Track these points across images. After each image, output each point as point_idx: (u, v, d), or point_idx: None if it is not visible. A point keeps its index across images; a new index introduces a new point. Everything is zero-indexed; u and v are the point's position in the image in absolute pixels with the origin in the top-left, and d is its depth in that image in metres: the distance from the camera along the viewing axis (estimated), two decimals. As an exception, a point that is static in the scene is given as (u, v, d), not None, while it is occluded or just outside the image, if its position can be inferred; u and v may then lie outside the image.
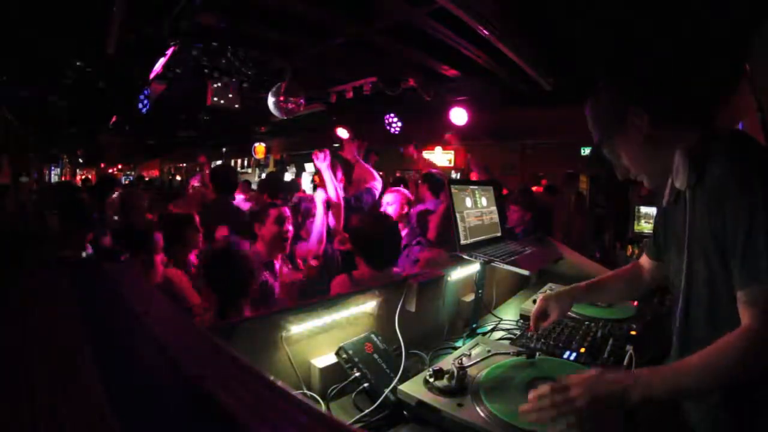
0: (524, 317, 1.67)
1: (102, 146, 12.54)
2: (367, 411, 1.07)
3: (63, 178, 13.95)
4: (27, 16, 2.90)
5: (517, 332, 1.56)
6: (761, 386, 0.83)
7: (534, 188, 5.82)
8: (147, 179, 13.77)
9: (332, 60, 4.12)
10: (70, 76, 4.30)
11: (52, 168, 12.43)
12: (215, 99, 4.49)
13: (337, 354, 1.18)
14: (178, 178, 14.81)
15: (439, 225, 2.65)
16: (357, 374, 1.14)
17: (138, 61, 3.72)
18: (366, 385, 1.13)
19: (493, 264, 1.55)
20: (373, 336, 1.26)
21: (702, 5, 2.29)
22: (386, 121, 5.65)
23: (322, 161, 2.85)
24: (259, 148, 9.70)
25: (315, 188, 4.32)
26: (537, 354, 1.20)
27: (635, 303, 1.68)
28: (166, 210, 3.22)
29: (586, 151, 5.51)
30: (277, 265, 2.31)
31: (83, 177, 16.50)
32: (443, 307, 1.62)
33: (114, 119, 7.15)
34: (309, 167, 9.54)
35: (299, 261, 2.33)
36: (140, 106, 4.73)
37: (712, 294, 0.92)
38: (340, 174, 3.27)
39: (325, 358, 1.19)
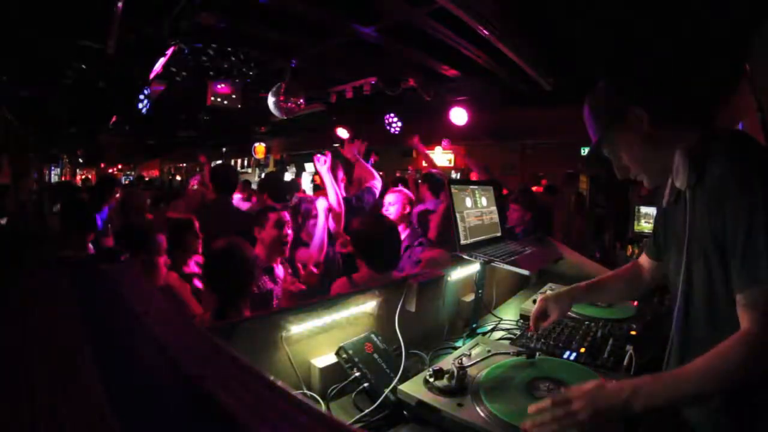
0: (524, 317, 1.67)
1: (102, 146, 12.52)
2: (367, 411, 1.07)
3: (63, 178, 13.95)
4: (27, 16, 2.90)
5: (517, 332, 1.56)
6: (761, 390, 0.83)
7: (534, 188, 5.83)
8: (147, 179, 13.77)
9: (332, 60, 4.12)
10: (70, 76, 4.30)
11: (52, 168, 12.41)
12: (215, 99, 4.49)
13: (337, 354, 1.18)
14: (178, 178, 14.80)
15: (439, 225, 2.64)
16: (357, 374, 1.14)
17: (138, 61, 3.71)
18: (366, 385, 1.13)
19: (493, 264, 1.55)
20: (373, 336, 1.26)
21: (702, 5, 2.29)
22: (386, 121, 5.65)
23: (322, 164, 2.84)
24: (259, 148, 9.70)
25: (315, 188, 4.33)
26: (537, 354, 1.20)
27: (635, 303, 1.68)
28: (165, 214, 3.22)
29: (586, 151, 5.51)
30: (277, 269, 2.31)
31: (83, 177, 16.50)
32: (443, 307, 1.62)
33: (114, 119, 7.15)
34: (309, 167, 9.53)
35: (299, 265, 2.33)
36: (140, 106, 4.73)
37: (711, 294, 0.92)
38: (341, 174, 3.27)
39: (325, 358, 1.20)
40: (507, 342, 1.45)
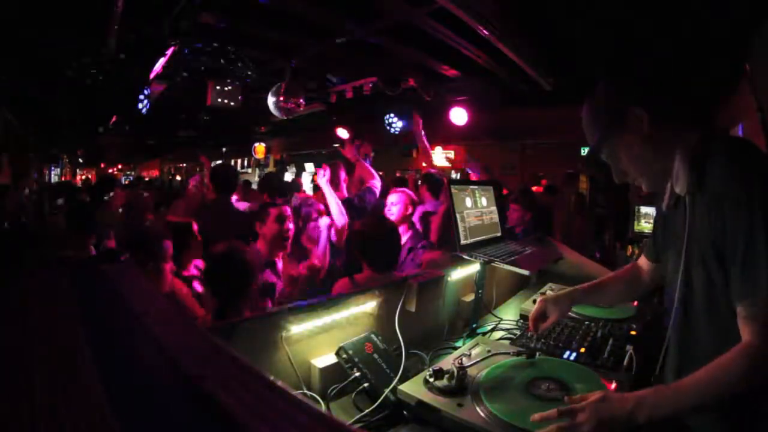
0: (524, 317, 1.67)
1: (102, 146, 12.53)
2: (367, 411, 1.07)
3: (63, 178, 13.95)
4: (27, 16, 2.90)
5: (517, 332, 1.56)
6: (761, 395, 0.84)
7: (534, 188, 5.82)
8: (147, 179, 13.77)
9: (332, 60, 4.12)
10: (70, 76, 4.30)
11: (52, 168, 12.41)
12: (215, 98, 4.49)
13: (337, 354, 1.18)
14: (178, 178, 14.80)
15: (440, 227, 2.64)
16: (357, 374, 1.14)
17: (138, 61, 3.71)
18: (366, 385, 1.13)
19: (493, 264, 1.55)
20: (373, 336, 1.26)
21: (702, 5, 2.29)
22: (386, 121, 5.65)
23: (321, 177, 2.85)
24: (259, 148, 9.70)
25: (315, 189, 4.32)
26: (537, 354, 1.20)
27: (635, 303, 1.68)
28: (165, 218, 3.21)
29: (586, 151, 5.50)
30: (279, 264, 2.32)
31: (83, 177, 16.50)
32: (443, 307, 1.62)
33: (114, 119, 7.15)
34: (309, 167, 9.54)
35: (300, 267, 2.33)
36: (140, 106, 4.73)
37: (711, 297, 0.92)
38: (343, 174, 3.27)
39: (325, 358, 1.20)
40: (507, 342, 1.45)
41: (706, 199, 0.90)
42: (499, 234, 1.88)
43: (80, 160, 16.20)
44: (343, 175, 3.25)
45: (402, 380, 1.11)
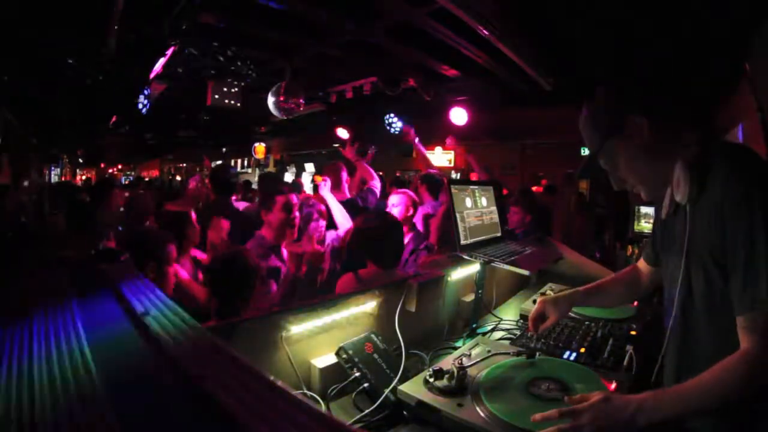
0: (524, 317, 1.67)
1: (102, 146, 12.53)
2: (367, 411, 1.07)
3: (63, 178, 13.95)
4: (27, 16, 2.90)
5: (517, 332, 1.56)
6: (760, 397, 0.84)
7: (534, 188, 5.82)
8: (147, 179, 13.77)
9: (332, 60, 4.12)
10: (70, 75, 4.30)
11: (52, 168, 12.40)
12: (215, 99, 4.49)
13: (337, 354, 1.18)
14: (178, 178, 14.81)
15: (439, 227, 2.64)
16: (357, 374, 1.14)
17: (138, 61, 3.71)
18: (366, 385, 1.13)
19: (493, 264, 1.55)
20: (373, 336, 1.26)
21: (702, 5, 2.29)
22: (386, 121, 5.65)
23: (323, 187, 2.86)
24: (259, 148, 9.71)
25: (315, 189, 4.32)
26: (537, 354, 1.20)
27: (635, 303, 1.68)
28: (163, 208, 3.22)
29: (586, 151, 5.50)
30: (284, 250, 2.34)
31: (83, 177, 16.50)
32: (443, 307, 1.62)
33: (114, 119, 7.15)
34: (309, 167, 9.54)
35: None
36: (140, 106, 4.73)
37: (711, 303, 0.92)
38: (345, 175, 3.28)
39: (325, 358, 1.19)
40: (507, 342, 1.45)
41: (706, 207, 0.89)
42: (499, 234, 1.88)
43: (80, 160, 16.20)
44: (345, 176, 3.25)
45: (402, 380, 1.11)
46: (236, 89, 4.58)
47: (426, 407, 0.98)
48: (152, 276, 1.77)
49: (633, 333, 1.43)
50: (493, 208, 1.90)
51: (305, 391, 1.13)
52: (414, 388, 1.03)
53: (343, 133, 5.78)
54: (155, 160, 18.99)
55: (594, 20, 2.73)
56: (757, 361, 0.80)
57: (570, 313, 1.45)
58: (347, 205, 2.93)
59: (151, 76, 4.03)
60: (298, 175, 9.51)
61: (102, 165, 17.36)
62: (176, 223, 2.32)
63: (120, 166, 20.29)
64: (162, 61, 3.57)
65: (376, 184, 3.28)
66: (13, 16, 2.85)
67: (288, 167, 10.53)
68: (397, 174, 8.09)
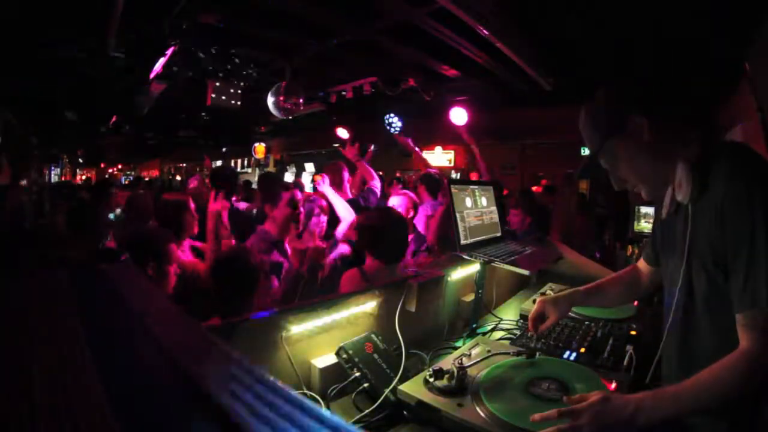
0: (524, 317, 1.66)
1: (102, 146, 12.54)
2: (367, 411, 1.07)
3: (63, 178, 13.96)
4: (27, 16, 2.90)
5: (517, 332, 1.56)
6: (759, 395, 0.84)
7: (534, 188, 5.82)
8: (147, 179, 13.78)
9: (332, 60, 4.12)
10: (71, 75, 4.30)
11: (52, 168, 12.42)
12: (215, 98, 4.49)
13: (337, 354, 1.18)
14: (178, 178, 14.82)
15: (438, 227, 2.64)
16: (357, 374, 1.14)
17: (138, 61, 3.72)
18: (366, 385, 1.13)
19: (493, 264, 1.55)
20: (373, 336, 1.26)
21: (702, 5, 2.29)
22: (386, 121, 5.65)
23: (322, 185, 2.86)
24: (259, 148, 9.71)
25: (315, 189, 4.32)
26: (537, 354, 1.20)
27: (635, 303, 1.68)
28: (161, 199, 3.22)
29: (586, 151, 5.50)
30: (287, 245, 2.35)
31: (83, 177, 16.49)
32: (443, 307, 1.62)
33: (114, 119, 7.16)
34: (309, 167, 9.54)
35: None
36: (140, 106, 4.73)
37: (712, 302, 0.92)
38: (347, 174, 3.28)
39: (325, 358, 1.19)
40: (507, 342, 1.45)
41: (707, 206, 0.90)
42: (499, 234, 1.88)
43: (80, 160, 16.21)
44: (346, 175, 3.26)
45: (402, 380, 1.11)
46: (236, 89, 4.58)
47: (426, 407, 0.98)
48: (153, 275, 1.77)
49: (633, 333, 1.43)
50: (493, 208, 1.90)
51: (305, 391, 1.13)
52: (414, 388, 1.03)
53: (343, 133, 5.77)
54: (155, 160, 18.99)
55: (594, 20, 2.73)
56: (756, 359, 0.80)
57: (570, 313, 1.45)
58: (349, 205, 2.93)
59: (151, 76, 4.03)
60: (298, 175, 9.51)
61: (102, 165, 17.38)
62: (173, 210, 2.33)
63: (120, 166, 20.30)
64: (162, 61, 3.57)
65: (377, 184, 3.29)
66: (13, 16, 2.85)
67: (288, 167, 10.54)
68: (397, 174, 8.09)
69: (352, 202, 3.02)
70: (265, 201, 2.41)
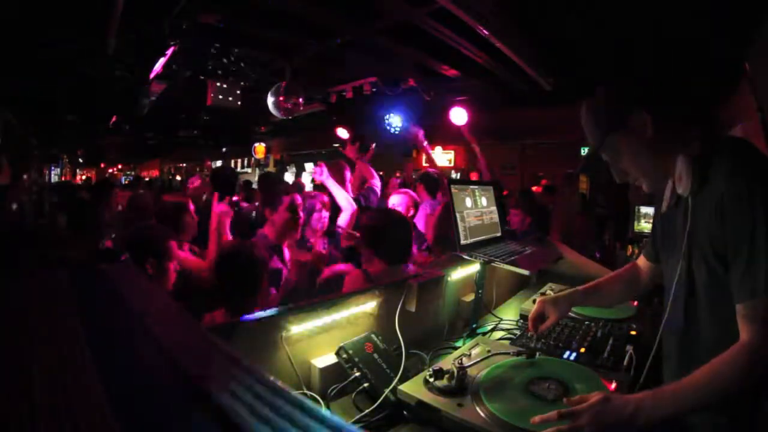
0: (524, 317, 1.67)
1: (102, 146, 12.54)
2: (367, 411, 1.07)
3: (63, 178, 13.96)
4: (27, 16, 2.90)
5: (517, 332, 1.56)
6: (760, 391, 0.84)
7: (534, 188, 5.82)
8: (147, 179, 13.78)
9: (332, 60, 4.12)
10: (71, 76, 4.30)
11: (52, 168, 12.42)
12: (215, 99, 4.49)
13: (337, 354, 1.18)
14: (178, 178, 14.81)
15: (435, 227, 2.64)
16: (357, 374, 1.14)
17: (138, 61, 3.72)
18: (366, 385, 1.13)
19: (493, 264, 1.55)
20: (373, 336, 1.26)
21: (702, 5, 2.29)
22: (386, 121, 5.65)
23: (320, 176, 2.86)
24: (259, 148, 9.70)
25: (315, 189, 4.33)
26: (537, 354, 1.20)
27: (635, 303, 1.68)
28: (161, 201, 3.23)
29: (586, 151, 5.49)
30: (287, 252, 2.34)
31: (83, 177, 16.49)
32: (443, 307, 1.62)
33: (114, 119, 7.15)
34: (309, 167, 9.54)
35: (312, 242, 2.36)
36: (140, 105, 4.73)
37: (713, 295, 0.92)
38: (348, 174, 3.28)
39: (325, 358, 1.19)
40: (507, 342, 1.45)
41: (708, 200, 0.90)
42: (499, 234, 1.88)
43: (80, 160, 16.21)
44: (348, 175, 3.26)
45: (402, 380, 1.11)
46: (236, 89, 4.58)
47: (426, 407, 0.98)
48: (152, 272, 1.77)
49: (633, 333, 1.43)
50: (493, 208, 1.90)
51: (305, 391, 1.13)
52: (414, 388, 1.04)
53: (343, 133, 5.77)
54: (155, 160, 18.98)
55: (594, 20, 2.73)
56: (757, 351, 0.80)
57: (570, 313, 1.45)
58: None
59: (151, 76, 4.03)
60: (298, 175, 9.51)
61: (102, 165, 17.37)
62: (173, 212, 2.33)
63: (120, 166, 20.29)
64: (162, 61, 3.57)
65: (376, 184, 3.29)
66: (13, 16, 2.85)
67: (288, 167, 10.53)
68: (397, 174, 8.08)
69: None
70: (264, 205, 2.40)
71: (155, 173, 19.22)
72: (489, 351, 1.21)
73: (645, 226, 4.03)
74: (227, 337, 1.00)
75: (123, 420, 0.29)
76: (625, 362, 1.19)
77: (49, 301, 0.53)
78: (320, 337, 1.22)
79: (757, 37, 2.21)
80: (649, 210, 4.01)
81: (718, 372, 0.81)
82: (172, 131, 9.30)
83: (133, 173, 19.26)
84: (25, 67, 4.08)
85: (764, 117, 2.12)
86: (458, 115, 4.90)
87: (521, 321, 1.69)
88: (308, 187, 6.60)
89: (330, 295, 1.33)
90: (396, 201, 3.00)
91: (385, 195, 3.84)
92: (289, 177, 8.97)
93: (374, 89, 4.54)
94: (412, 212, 2.97)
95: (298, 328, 1.15)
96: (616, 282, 1.33)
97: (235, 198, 3.49)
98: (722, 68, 2.63)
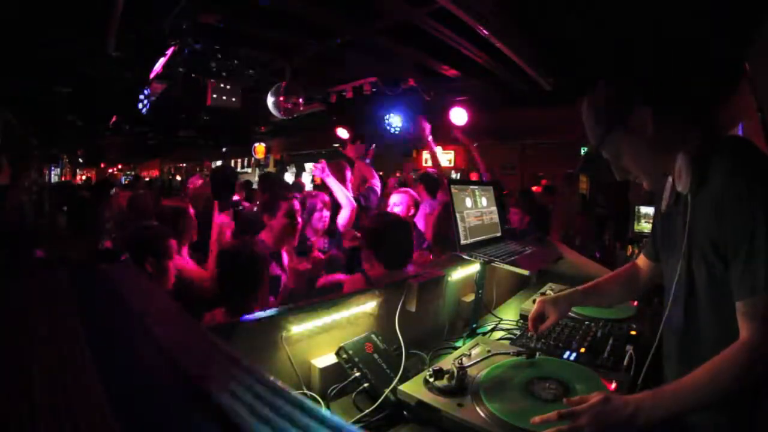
0: (524, 317, 1.67)
1: (102, 146, 12.54)
2: (367, 411, 1.07)
3: (63, 178, 13.96)
4: (27, 16, 2.90)
5: (517, 332, 1.56)
6: (760, 390, 0.84)
7: (534, 188, 5.82)
8: (147, 179, 13.78)
9: (332, 60, 4.12)
10: (71, 76, 4.30)
11: (52, 168, 12.42)
12: (215, 99, 4.49)
13: (338, 354, 1.18)
14: (178, 178, 14.81)
15: (434, 226, 2.64)
16: (357, 374, 1.14)
17: (138, 61, 3.72)
18: (366, 385, 1.13)
19: (493, 264, 1.55)
20: (373, 336, 1.26)
21: (702, 5, 2.29)
22: (386, 121, 5.65)
23: (320, 173, 2.85)
24: (259, 148, 9.70)
25: (315, 189, 4.33)
26: (537, 354, 1.20)
27: (635, 303, 1.68)
28: (160, 205, 3.23)
29: (586, 150, 5.48)
30: (284, 256, 2.33)
31: (83, 177, 16.49)
32: (443, 307, 1.62)
33: (114, 119, 7.16)
34: (309, 167, 9.54)
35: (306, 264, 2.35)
36: (140, 106, 4.73)
37: (713, 294, 0.92)
38: (349, 174, 3.28)
39: (325, 358, 1.19)
40: (507, 342, 1.45)
41: (707, 198, 0.90)
42: (499, 234, 1.88)
43: (80, 160, 16.21)
44: (349, 174, 3.26)
45: (402, 380, 1.11)
46: (236, 89, 4.58)
47: (426, 407, 0.98)
48: (152, 271, 1.77)
49: (633, 333, 1.43)
50: (493, 208, 1.90)
51: (305, 391, 1.13)
52: (414, 388, 1.04)
53: (343, 133, 5.77)
54: (155, 160, 18.97)
55: (594, 20, 2.73)
56: (757, 349, 0.80)
57: (570, 313, 1.45)
58: None
59: (151, 76, 4.03)
60: (298, 175, 9.51)
61: (102, 165, 17.37)
62: (172, 217, 2.33)
63: (120, 166, 20.28)
64: (162, 61, 3.57)
65: (376, 183, 3.29)
66: (13, 16, 2.85)
67: (288, 167, 10.53)
68: (397, 174, 8.08)
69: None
70: (263, 210, 2.39)
71: (155, 173, 19.21)
72: (489, 351, 1.21)
73: (645, 226, 4.03)
74: (227, 337, 1.00)
75: (123, 420, 0.29)
76: (625, 362, 1.19)
77: (49, 301, 0.53)
78: (320, 337, 1.22)
79: (757, 37, 2.21)
80: (649, 210, 4.01)
81: (718, 370, 0.81)
82: (172, 131, 9.29)
83: (133, 173, 19.26)
84: (25, 67, 4.08)
85: (764, 117, 2.12)
86: (458, 115, 4.90)
87: (521, 321, 1.69)
88: (308, 187, 6.61)
89: (330, 295, 1.33)
90: (397, 200, 3.00)
91: (385, 195, 3.85)
92: (289, 177, 8.97)
93: (374, 89, 4.54)
94: (412, 211, 2.97)
95: (298, 328, 1.15)
96: (615, 282, 1.33)
97: (235, 197, 3.49)
98: (722, 68, 2.63)
